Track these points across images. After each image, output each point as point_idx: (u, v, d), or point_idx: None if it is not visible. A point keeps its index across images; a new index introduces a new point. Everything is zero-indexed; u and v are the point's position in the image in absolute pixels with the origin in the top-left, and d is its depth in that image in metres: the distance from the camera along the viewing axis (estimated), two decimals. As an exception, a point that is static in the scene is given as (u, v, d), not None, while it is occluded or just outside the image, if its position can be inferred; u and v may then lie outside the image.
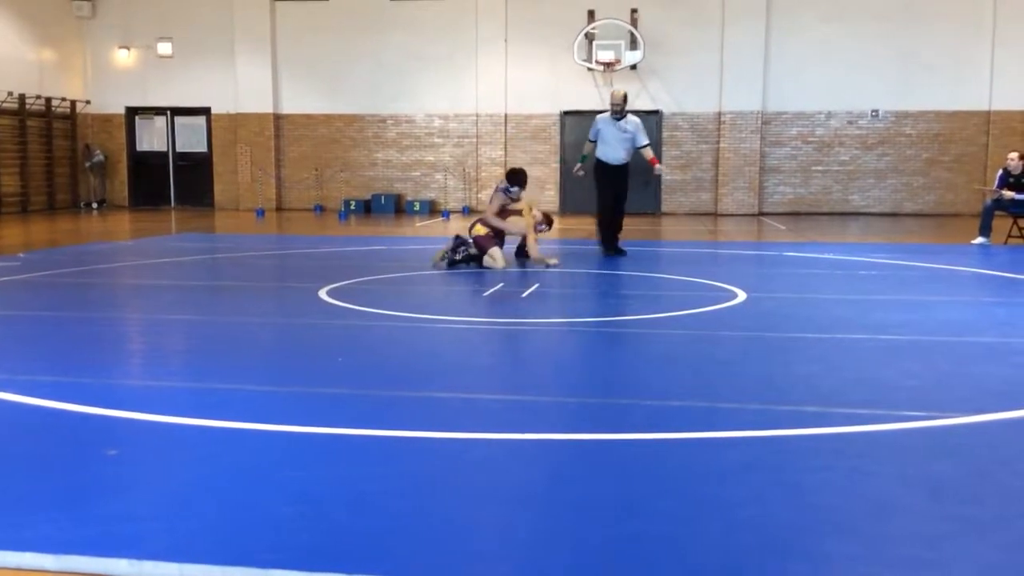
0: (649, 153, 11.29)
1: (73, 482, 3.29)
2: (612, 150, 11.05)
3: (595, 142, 11.23)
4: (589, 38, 18.93)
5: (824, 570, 2.64)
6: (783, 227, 16.25)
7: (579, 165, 11.75)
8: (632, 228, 16.21)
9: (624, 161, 11.11)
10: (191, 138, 21.44)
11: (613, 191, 11.09)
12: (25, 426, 4.04)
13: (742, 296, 7.75)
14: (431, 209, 20.10)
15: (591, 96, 19.65)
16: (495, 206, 10.19)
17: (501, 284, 8.56)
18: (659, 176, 10.98)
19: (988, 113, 18.81)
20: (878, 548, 2.77)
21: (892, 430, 3.95)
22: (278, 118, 20.74)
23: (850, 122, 19.35)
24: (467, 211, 19.78)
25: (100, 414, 4.15)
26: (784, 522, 2.97)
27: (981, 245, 12.32)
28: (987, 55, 18.61)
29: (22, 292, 8.10)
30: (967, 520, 2.99)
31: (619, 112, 11.06)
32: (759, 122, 19.27)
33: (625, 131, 11.01)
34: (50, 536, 2.78)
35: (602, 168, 11.15)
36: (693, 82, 19.40)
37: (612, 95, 11.32)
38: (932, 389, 4.72)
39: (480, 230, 9.84)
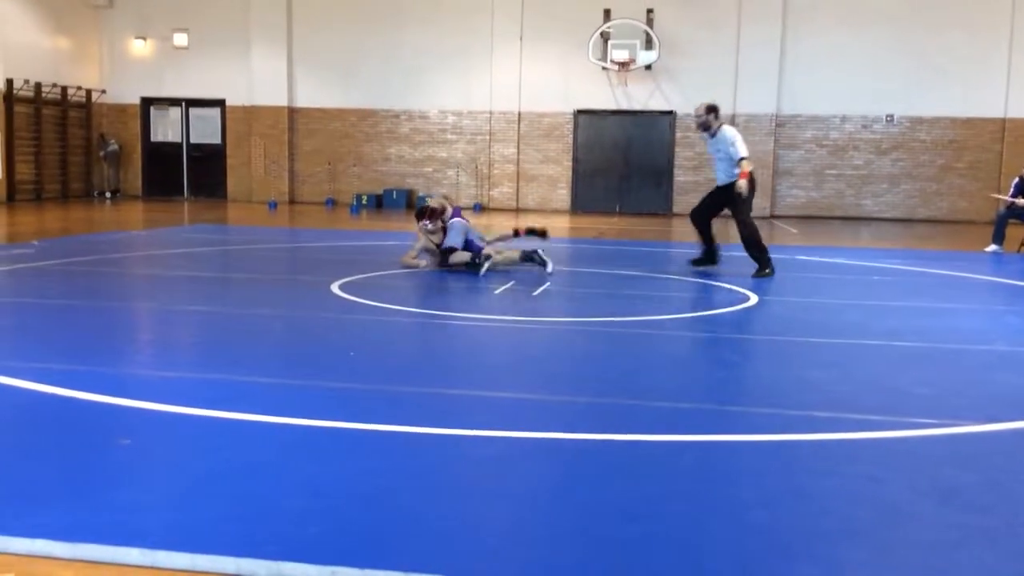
0: (741, 167, 9.40)
1: (86, 470, 3.31)
2: (715, 170, 9.88)
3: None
4: (604, 37, 18.92)
5: (833, 575, 2.64)
6: (795, 230, 16.21)
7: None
8: (644, 228, 16.21)
9: (727, 180, 9.55)
10: (205, 129, 21.51)
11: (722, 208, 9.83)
12: (39, 414, 4.06)
13: (754, 299, 7.74)
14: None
15: (605, 95, 19.65)
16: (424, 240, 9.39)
17: (512, 282, 8.56)
18: (739, 193, 9.45)
19: (1003, 120, 18.73)
20: (888, 555, 2.76)
21: (904, 437, 3.94)
22: (292, 111, 20.79)
23: (864, 126, 19.29)
24: (479, 208, 19.79)
25: (113, 403, 4.17)
26: (794, 527, 2.97)
27: (994, 253, 12.27)
28: (1003, 62, 18.53)
29: (36, 280, 8.14)
30: (977, 528, 2.98)
31: (701, 127, 9.76)
32: (773, 124, 19.24)
33: (717, 149, 9.61)
34: (63, 524, 2.79)
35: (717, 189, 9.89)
36: (707, 83, 19.34)
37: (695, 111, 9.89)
38: (944, 396, 4.70)
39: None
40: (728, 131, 9.66)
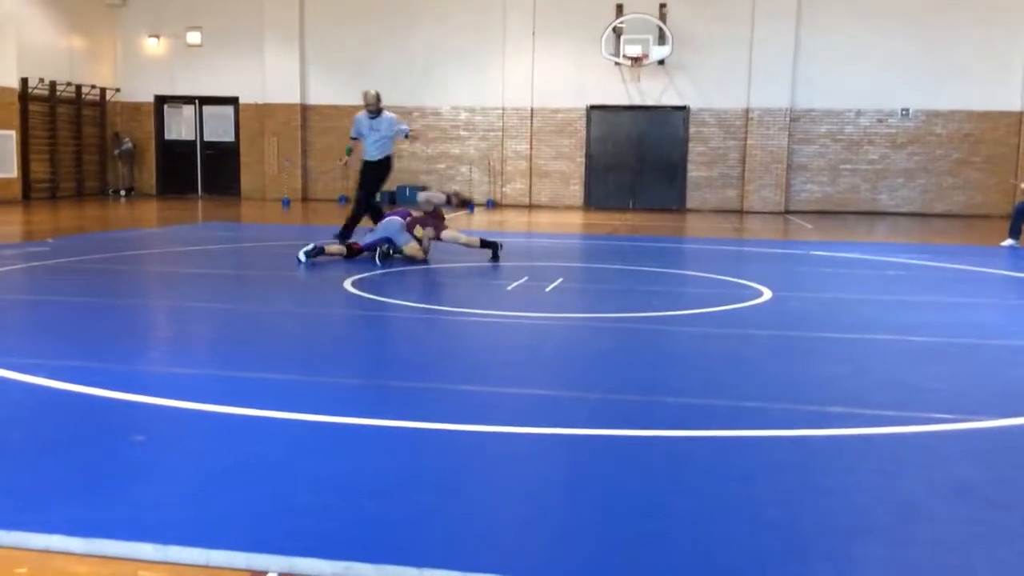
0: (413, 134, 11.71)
1: (101, 467, 3.33)
2: (366, 150, 11.26)
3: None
4: (617, 32, 18.87)
5: (848, 573, 2.62)
6: (810, 226, 16.14)
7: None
8: (656, 224, 16.17)
9: (380, 156, 11.17)
10: (219, 127, 21.58)
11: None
12: (53, 411, 4.09)
13: (768, 295, 7.71)
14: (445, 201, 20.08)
15: (618, 91, 19.60)
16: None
17: (525, 278, 8.56)
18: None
19: (1020, 114, 18.59)
20: (903, 551, 2.75)
21: (919, 432, 3.92)
22: (305, 108, 20.83)
23: (880, 120, 19.18)
24: (491, 204, 19.79)
25: (128, 400, 4.19)
26: (809, 523, 2.95)
27: (1011, 247, 12.18)
28: (1019, 55, 18.38)
29: (51, 277, 8.19)
30: (993, 524, 2.96)
31: (375, 112, 11.06)
32: (787, 119, 19.15)
33: (378, 129, 11.07)
34: (78, 519, 2.81)
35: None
36: (721, 78, 19.29)
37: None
38: (959, 392, 4.67)
39: (420, 232, 9.66)
40: (389, 113, 11.26)
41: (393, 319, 6.56)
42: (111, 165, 21.47)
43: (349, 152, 11.78)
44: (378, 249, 9.38)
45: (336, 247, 9.68)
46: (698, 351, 5.73)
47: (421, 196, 10.12)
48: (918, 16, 18.57)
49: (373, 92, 11.20)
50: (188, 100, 21.56)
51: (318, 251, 9.38)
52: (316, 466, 3.35)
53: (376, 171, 11.18)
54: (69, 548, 2.66)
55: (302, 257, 9.26)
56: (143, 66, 21.47)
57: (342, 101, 20.62)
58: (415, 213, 9.85)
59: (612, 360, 5.47)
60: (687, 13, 19.05)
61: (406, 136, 11.57)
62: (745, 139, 19.38)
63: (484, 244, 9.83)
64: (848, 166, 19.40)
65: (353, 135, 11.43)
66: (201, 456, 3.50)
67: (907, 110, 19.04)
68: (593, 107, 19.82)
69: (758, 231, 15.12)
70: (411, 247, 9.44)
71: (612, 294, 8.15)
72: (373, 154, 11.16)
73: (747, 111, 19.28)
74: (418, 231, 9.64)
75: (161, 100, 21.66)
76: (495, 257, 9.69)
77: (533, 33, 19.69)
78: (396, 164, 20.47)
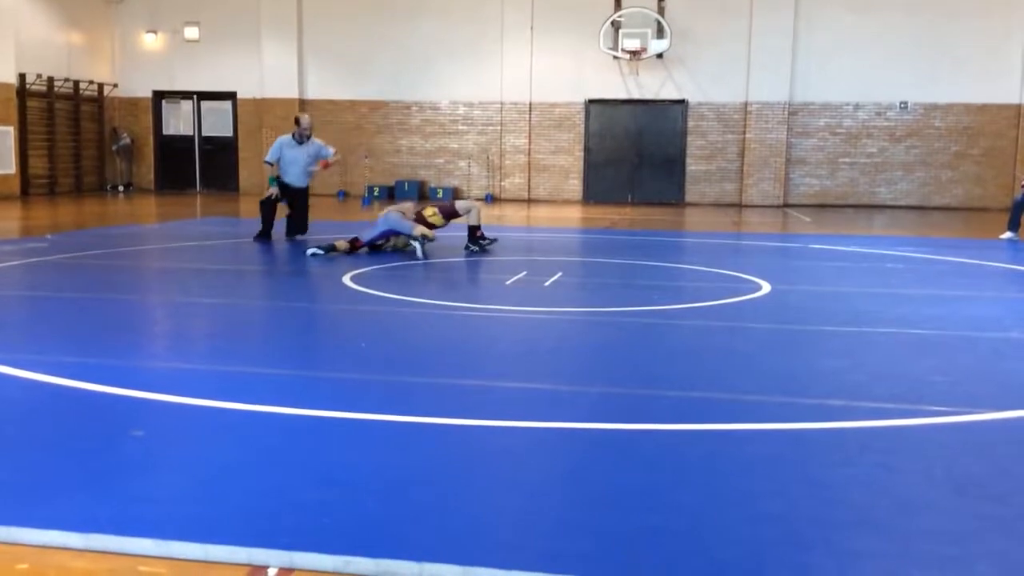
0: (334, 157, 11.48)
1: (100, 462, 3.32)
2: (290, 175, 11.17)
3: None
4: (615, 26, 18.84)
5: (847, 566, 2.62)
6: (808, 219, 16.14)
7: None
8: (655, 218, 16.17)
9: (305, 182, 11.28)
10: (217, 122, 21.56)
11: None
12: (52, 406, 4.09)
13: (766, 288, 7.71)
14: (454, 196, 20.10)
15: (616, 85, 19.58)
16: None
17: (524, 272, 8.55)
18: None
19: (1019, 107, 18.59)
20: (902, 544, 2.75)
21: (918, 425, 3.92)
22: (303, 103, 20.79)
23: (878, 114, 19.16)
24: (490, 199, 19.78)
25: (126, 395, 4.19)
26: (807, 516, 2.95)
27: (1009, 240, 12.18)
28: (1018, 48, 18.37)
29: (49, 273, 8.19)
30: (992, 517, 2.96)
31: (309, 136, 11.15)
32: (786, 113, 19.13)
33: (308, 154, 11.14)
34: (76, 515, 2.81)
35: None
36: (720, 71, 19.27)
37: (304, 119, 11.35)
38: (958, 385, 4.67)
39: (437, 219, 9.91)
40: (315, 139, 11.32)
41: (393, 314, 6.56)
42: (109, 161, 21.45)
43: (274, 182, 11.15)
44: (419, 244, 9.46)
45: (342, 243, 9.73)
46: (697, 345, 5.73)
47: (463, 205, 10.32)
48: (916, 9, 18.56)
49: (308, 117, 11.30)
50: (186, 95, 21.53)
51: (330, 247, 9.58)
52: (315, 461, 3.35)
53: (305, 194, 11.27)
54: (68, 544, 2.66)
55: (315, 251, 9.53)
56: (141, 61, 21.44)
57: (340, 96, 20.61)
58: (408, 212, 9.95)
59: (611, 354, 5.47)
60: (685, 7, 19.02)
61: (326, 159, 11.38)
62: (744, 133, 19.36)
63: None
64: (847, 159, 19.40)
65: (271, 160, 11.14)
66: (200, 451, 3.50)
67: (905, 103, 19.02)
68: (592, 101, 19.79)
69: (757, 225, 15.12)
70: (419, 229, 9.49)
71: (611, 288, 8.14)
72: (295, 180, 11.09)
73: (746, 105, 19.26)
74: (434, 217, 9.85)
75: (159, 95, 21.63)
76: (480, 246, 10.04)
77: (531, 27, 19.66)
78: (395, 159, 20.73)
